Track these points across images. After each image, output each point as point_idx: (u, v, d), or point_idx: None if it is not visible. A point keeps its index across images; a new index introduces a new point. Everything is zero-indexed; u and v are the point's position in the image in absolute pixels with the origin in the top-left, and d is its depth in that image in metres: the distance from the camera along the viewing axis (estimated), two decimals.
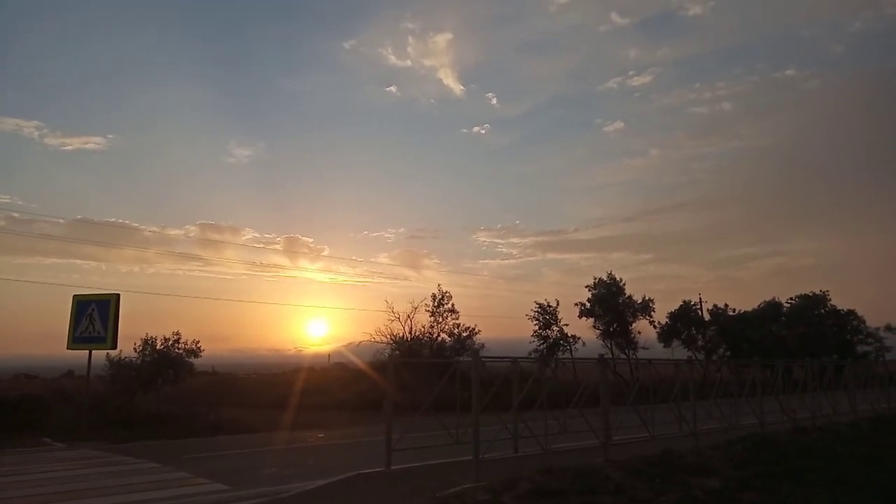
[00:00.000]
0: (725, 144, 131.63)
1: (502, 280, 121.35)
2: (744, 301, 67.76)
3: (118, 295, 17.67)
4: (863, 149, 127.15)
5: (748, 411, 14.09)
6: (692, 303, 40.67)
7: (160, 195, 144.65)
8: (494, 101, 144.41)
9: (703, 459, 9.69)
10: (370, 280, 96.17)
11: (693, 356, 36.98)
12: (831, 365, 18.86)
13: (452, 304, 30.12)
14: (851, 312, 42.94)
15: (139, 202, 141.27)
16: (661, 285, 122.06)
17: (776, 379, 15.89)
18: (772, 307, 42.26)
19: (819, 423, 14.74)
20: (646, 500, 7.10)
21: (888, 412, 17.81)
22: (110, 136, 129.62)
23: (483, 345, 28.91)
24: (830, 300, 42.44)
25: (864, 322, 43.18)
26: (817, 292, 42.63)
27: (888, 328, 48.92)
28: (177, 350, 20.69)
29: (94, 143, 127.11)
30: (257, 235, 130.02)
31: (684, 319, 39.83)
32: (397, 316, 29.66)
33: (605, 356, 12.19)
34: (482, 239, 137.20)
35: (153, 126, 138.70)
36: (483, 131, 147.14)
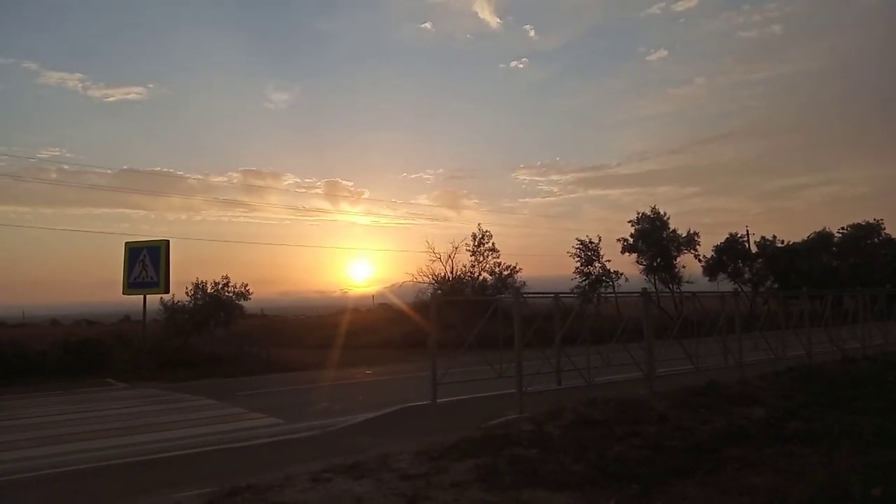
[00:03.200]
0: (776, 69, 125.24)
1: (543, 218, 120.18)
2: (794, 233, 66.11)
3: (168, 241, 18.21)
4: None
5: (796, 343, 13.92)
6: (739, 235, 39.78)
7: (202, 143, 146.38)
8: (532, 33, 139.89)
9: (748, 389, 9.66)
10: (411, 222, 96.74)
11: (739, 289, 36.41)
12: (882, 294, 18.34)
13: (493, 243, 30.17)
14: None
15: (182, 151, 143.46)
16: (708, 219, 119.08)
17: (825, 310, 15.58)
18: (822, 238, 41.07)
19: (869, 353, 14.47)
20: (690, 429, 7.15)
21: None
22: (150, 85, 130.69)
23: (525, 283, 29.07)
24: (885, 229, 41.03)
25: None
26: (871, 221, 41.25)
27: None
28: (227, 293, 21.31)
29: (135, 93, 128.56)
30: (298, 180, 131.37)
31: (731, 252, 39.06)
32: (438, 256, 29.92)
33: (652, 291, 12.10)
34: (522, 177, 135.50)
35: (191, 74, 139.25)
36: (521, 66, 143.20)
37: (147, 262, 17.80)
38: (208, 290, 21.15)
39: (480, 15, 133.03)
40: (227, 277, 21.56)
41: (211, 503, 4.97)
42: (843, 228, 41.86)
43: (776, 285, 38.75)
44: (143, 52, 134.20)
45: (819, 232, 41.47)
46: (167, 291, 18.89)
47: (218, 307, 21.04)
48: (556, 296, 11.35)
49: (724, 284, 37.48)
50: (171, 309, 20.55)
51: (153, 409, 11.40)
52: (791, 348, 13.61)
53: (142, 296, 18.21)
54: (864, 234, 40.84)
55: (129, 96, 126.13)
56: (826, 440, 6.55)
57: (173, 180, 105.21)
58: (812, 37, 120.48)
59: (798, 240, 40.74)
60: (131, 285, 18.08)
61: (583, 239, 34.07)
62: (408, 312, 26.86)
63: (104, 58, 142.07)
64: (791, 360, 12.90)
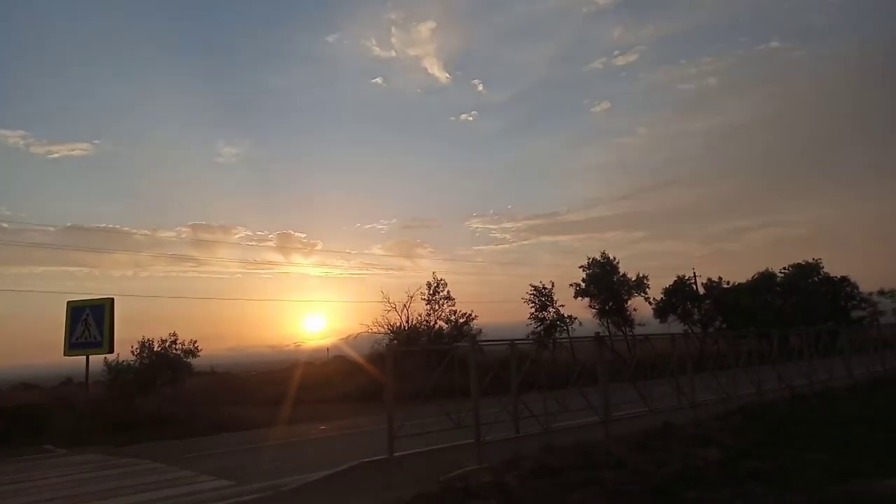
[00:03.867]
0: (713, 119, 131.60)
1: (497, 265, 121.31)
2: (739, 274, 68.22)
3: (112, 299, 17.59)
4: (848, 118, 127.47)
5: (746, 381, 14.20)
6: (686, 278, 40.88)
7: (150, 198, 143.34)
8: (481, 87, 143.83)
9: (702, 430, 9.77)
10: (365, 272, 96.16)
11: (689, 330, 37.17)
12: (825, 331, 19.00)
13: (448, 292, 30.19)
14: (845, 279, 43.34)
15: (129, 206, 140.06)
16: (655, 262, 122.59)
17: (772, 348, 16.00)
18: (766, 278, 42.57)
19: (816, 389, 14.87)
20: (647, 473, 7.15)
21: (884, 374, 18.01)
22: (96, 141, 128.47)
23: (480, 330, 29.02)
24: (823, 268, 42.88)
25: (857, 288, 43.63)
26: (810, 261, 43.00)
27: (881, 293, 49.41)
28: (174, 351, 20.70)
29: (80, 149, 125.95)
30: (250, 233, 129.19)
31: (679, 294, 40.06)
32: (394, 306, 29.72)
33: (602, 334, 12.23)
34: (475, 225, 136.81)
35: (139, 130, 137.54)
36: (471, 118, 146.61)
37: (90, 321, 17.13)
38: (155, 349, 20.51)
39: (430, 70, 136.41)
40: (174, 334, 21.00)
41: None
42: (784, 269, 43.54)
43: (724, 325, 39.72)
44: (90, 109, 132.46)
45: (762, 272, 43.01)
46: (111, 351, 18.14)
47: (165, 365, 20.40)
48: (512, 342, 11.35)
49: (675, 326, 38.34)
50: (116, 369, 19.81)
51: (94, 475, 10.81)
52: (741, 387, 13.88)
53: (84, 356, 17.46)
54: (805, 274, 42.51)
55: (74, 152, 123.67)
56: (779, 478, 6.64)
57: (119, 236, 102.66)
58: (745, 88, 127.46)
59: (743, 280, 42.12)
60: (73, 346, 17.33)
61: (536, 285, 34.47)
62: (363, 364, 26.43)
63: (48, 114, 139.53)
64: (742, 398, 13.15)
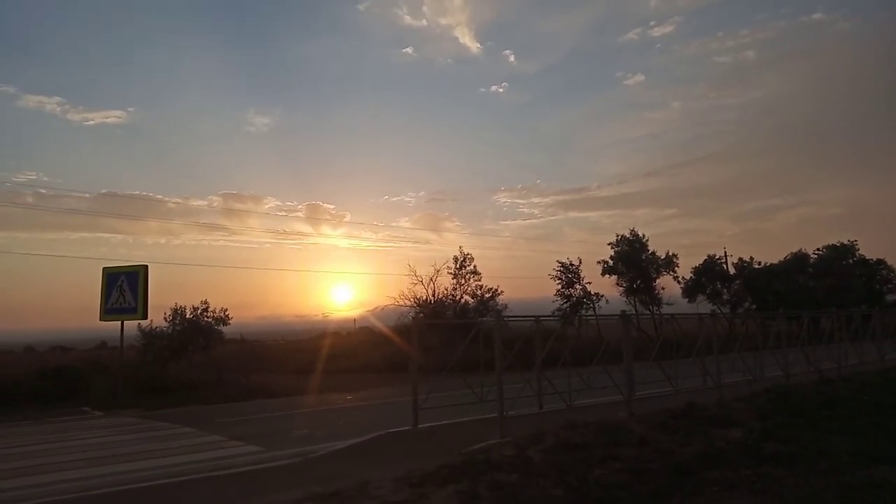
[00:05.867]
0: (749, 94, 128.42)
1: (524, 240, 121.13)
2: (770, 254, 67.02)
3: (146, 266, 18.04)
4: (889, 95, 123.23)
5: (773, 364, 14.09)
6: (717, 257, 40.32)
7: (182, 167, 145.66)
8: (512, 58, 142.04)
9: (726, 411, 9.76)
10: (392, 245, 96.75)
11: (718, 310, 36.80)
12: (858, 315, 18.67)
13: (474, 266, 30.22)
14: (881, 262, 42.33)
15: (162, 174, 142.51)
16: (685, 240, 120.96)
17: (801, 330, 15.81)
18: (798, 259, 41.76)
19: (845, 374, 14.69)
20: (669, 452, 7.20)
21: None
22: (130, 109, 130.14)
23: (506, 305, 29.10)
24: (859, 250, 41.87)
25: (893, 271, 42.58)
26: (845, 242, 42.05)
27: None
28: (206, 319, 21.11)
29: (115, 116, 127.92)
30: (279, 203, 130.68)
31: (709, 274, 39.58)
32: (420, 279, 29.90)
33: (629, 313, 12.21)
34: (503, 199, 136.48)
35: (172, 98, 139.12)
36: (501, 90, 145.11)
37: (125, 287, 17.60)
38: (187, 316, 20.93)
39: (461, 40, 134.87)
40: (206, 302, 21.39)
41: None
42: (818, 250, 42.64)
43: (754, 306, 39.22)
44: (124, 77, 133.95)
45: (795, 253, 42.17)
46: (145, 317, 18.65)
47: (197, 333, 20.82)
48: (537, 319, 11.41)
49: (703, 306, 37.94)
50: (149, 335, 20.29)
51: (129, 437, 11.21)
52: (768, 369, 13.77)
53: (119, 322, 17.97)
54: (839, 256, 41.60)
55: (109, 120, 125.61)
56: (802, 461, 6.63)
57: (152, 204, 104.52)
58: (784, 62, 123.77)
59: (775, 261, 41.43)
60: (108, 311, 17.84)
61: (563, 261, 34.31)
62: (390, 336, 26.73)
63: (84, 81, 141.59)
64: (768, 381, 13.05)
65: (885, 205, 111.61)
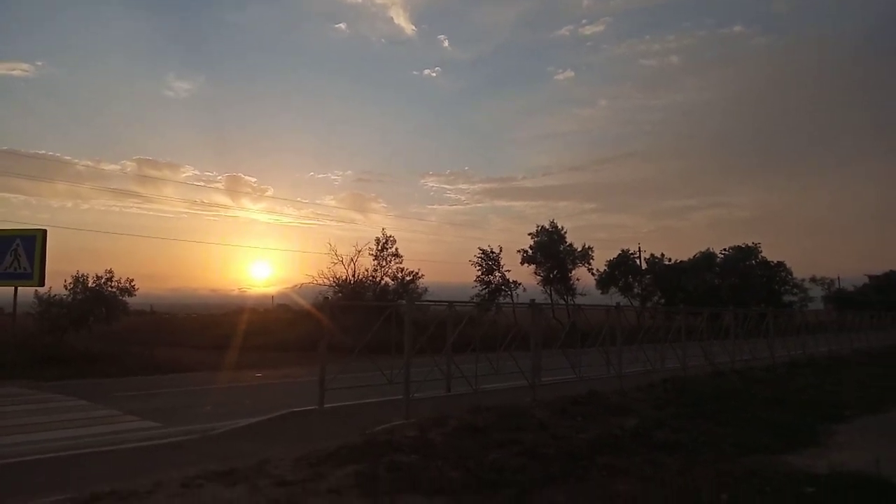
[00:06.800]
0: (671, 97, 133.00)
1: (450, 226, 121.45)
2: (682, 251, 70.20)
3: (45, 231, 17.03)
4: (798, 111, 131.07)
5: (673, 356, 14.78)
6: (631, 252, 41.87)
7: (94, 128, 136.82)
8: (446, 43, 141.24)
9: (624, 400, 10.16)
10: (315, 222, 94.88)
11: (629, 303, 38.27)
12: (752, 314, 19.87)
13: (396, 249, 30.18)
14: (781, 264, 45.11)
15: (72, 135, 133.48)
16: (603, 234, 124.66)
17: (701, 325, 16.65)
18: (706, 257, 43.91)
19: (737, 367, 15.58)
20: (566, 437, 7.44)
21: (802, 357, 18.96)
22: (39, 63, 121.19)
23: (426, 289, 29.26)
24: (761, 252, 44.44)
25: (791, 273, 45.46)
26: (750, 244, 44.50)
27: (813, 280, 51.77)
28: (110, 288, 20.18)
29: (21, 69, 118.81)
30: (198, 173, 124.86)
31: (622, 268, 41.08)
32: (340, 259, 29.59)
33: (545, 302, 12.51)
34: (430, 184, 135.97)
35: (85, 54, 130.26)
36: (434, 74, 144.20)
37: (20, 251, 16.56)
38: (89, 284, 19.94)
39: (396, 21, 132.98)
40: (110, 271, 20.44)
41: None
42: (724, 250, 45.01)
43: (662, 301, 41.00)
44: (33, 27, 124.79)
45: (704, 252, 44.33)
46: (42, 284, 17.63)
47: (99, 302, 19.88)
48: (451, 304, 11.52)
49: (616, 298, 39.39)
50: (47, 302, 19.22)
51: (17, 409, 10.60)
52: (668, 361, 14.45)
53: (12, 287, 16.91)
54: (744, 257, 44.04)
55: (14, 72, 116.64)
56: (688, 449, 6.99)
57: (60, 165, 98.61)
58: (705, 70, 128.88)
59: (685, 258, 43.40)
60: (1, 276, 16.76)
61: (485, 248, 34.77)
62: (313, 313, 26.33)
63: None
64: (667, 372, 13.69)
65: (787, 210, 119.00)
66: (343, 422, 8.82)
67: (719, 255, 44.54)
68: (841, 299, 53.45)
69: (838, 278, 59.03)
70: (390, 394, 10.23)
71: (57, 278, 19.45)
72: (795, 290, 46.51)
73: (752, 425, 8.40)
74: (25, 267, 16.63)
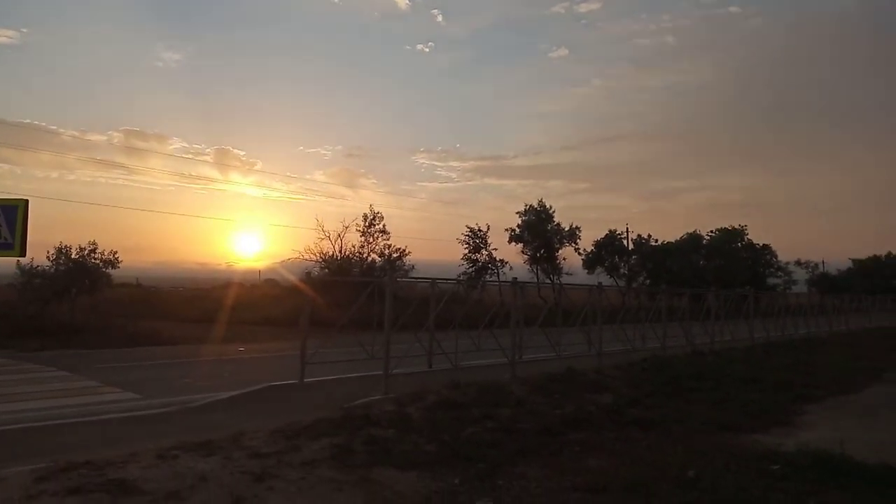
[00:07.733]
0: (666, 78, 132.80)
1: (440, 203, 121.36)
2: (670, 233, 70.43)
3: (27, 201, 16.70)
4: (789, 94, 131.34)
5: (654, 336, 14.95)
6: (618, 232, 42.02)
7: (81, 98, 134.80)
8: (440, 18, 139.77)
9: (602, 378, 10.29)
10: (305, 197, 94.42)
11: (615, 283, 38.53)
12: (733, 295, 20.11)
13: (384, 225, 30.20)
14: (766, 247, 45.48)
15: (58, 104, 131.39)
16: (593, 214, 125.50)
17: (683, 306, 16.83)
18: (693, 239, 44.19)
19: (716, 348, 15.77)
20: (542, 413, 7.55)
21: (780, 339, 19.24)
22: (24, 30, 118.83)
23: (413, 266, 29.36)
24: (748, 234, 44.72)
25: (776, 256, 45.88)
26: (736, 226, 44.76)
27: (798, 263, 52.34)
28: (93, 260, 20.07)
29: (6, 36, 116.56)
30: (186, 146, 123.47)
31: (609, 248, 41.26)
32: (327, 235, 29.56)
33: (530, 281, 12.60)
34: (421, 160, 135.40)
35: (73, 22, 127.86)
36: (427, 49, 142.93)
37: (1, 221, 16.37)
38: (73, 256, 19.81)
39: None
40: (94, 243, 20.29)
41: (43, 479, 4.71)
42: (711, 232, 45.25)
43: (648, 281, 41.32)
44: None
45: (690, 233, 44.60)
46: (23, 255, 17.40)
47: (82, 274, 19.78)
48: (433, 281, 11.57)
49: (602, 278, 39.62)
50: (29, 273, 19.10)
51: None
52: (649, 341, 14.61)
53: None
54: (730, 238, 44.33)
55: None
56: (660, 427, 7.12)
57: (45, 135, 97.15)
58: (700, 50, 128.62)
59: (672, 240, 43.65)
60: None
61: (472, 226, 34.80)
62: (300, 288, 26.29)
63: None
64: (647, 351, 13.85)
65: (776, 194, 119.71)
66: (323, 396, 8.88)
67: (706, 237, 44.84)
68: (825, 283, 54.12)
69: (823, 262, 59.74)
70: (372, 369, 10.29)
71: (40, 249, 19.35)
72: (780, 273, 47.02)
73: (724, 404, 8.55)
74: (6, 237, 16.39)
